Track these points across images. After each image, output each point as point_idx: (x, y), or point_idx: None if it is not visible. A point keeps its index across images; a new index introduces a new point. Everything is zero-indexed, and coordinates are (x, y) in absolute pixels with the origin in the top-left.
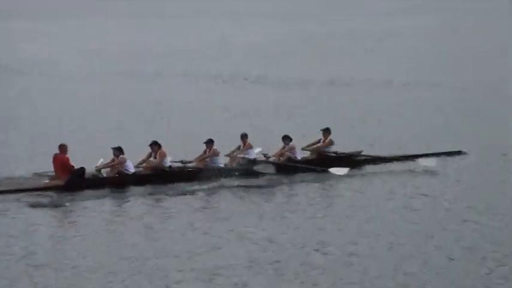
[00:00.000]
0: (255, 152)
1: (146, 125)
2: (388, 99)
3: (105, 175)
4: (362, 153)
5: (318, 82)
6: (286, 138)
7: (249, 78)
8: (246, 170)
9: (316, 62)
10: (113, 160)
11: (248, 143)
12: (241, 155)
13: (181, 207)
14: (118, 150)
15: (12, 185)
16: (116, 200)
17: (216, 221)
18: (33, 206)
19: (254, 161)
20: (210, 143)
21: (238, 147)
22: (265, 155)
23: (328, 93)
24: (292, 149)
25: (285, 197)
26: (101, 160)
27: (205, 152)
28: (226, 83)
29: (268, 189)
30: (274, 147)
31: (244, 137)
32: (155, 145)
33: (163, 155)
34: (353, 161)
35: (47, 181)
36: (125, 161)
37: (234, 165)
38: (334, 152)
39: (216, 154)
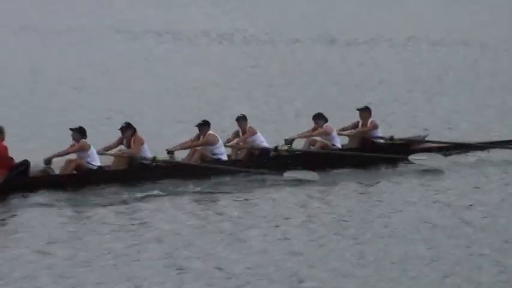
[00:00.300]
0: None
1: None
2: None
3: (57, 171)
4: (427, 139)
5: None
6: (320, 118)
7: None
8: (258, 163)
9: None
10: (72, 146)
11: (250, 127)
12: (247, 144)
13: (166, 216)
14: (79, 133)
15: None
16: (73, 207)
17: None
18: None
19: (267, 151)
20: (204, 126)
21: (237, 133)
22: (286, 141)
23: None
24: (328, 133)
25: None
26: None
27: (197, 138)
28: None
29: (296, 189)
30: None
31: (241, 119)
32: (128, 129)
33: (140, 142)
34: (416, 149)
35: None
36: (87, 148)
37: (238, 157)
38: (383, 138)
39: (212, 142)
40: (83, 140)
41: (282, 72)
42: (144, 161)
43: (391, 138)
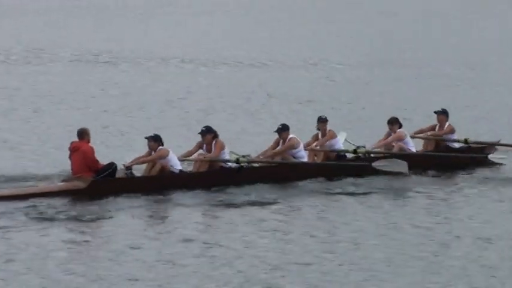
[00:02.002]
0: (342, 142)
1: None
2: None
3: (137, 174)
4: (501, 143)
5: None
6: (394, 122)
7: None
8: (338, 167)
9: None
10: (149, 154)
11: (331, 131)
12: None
13: (253, 219)
14: (155, 141)
15: (14, 189)
16: (159, 209)
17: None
18: (43, 218)
19: (344, 156)
20: (284, 130)
21: (316, 136)
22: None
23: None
24: (402, 137)
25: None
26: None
27: (277, 142)
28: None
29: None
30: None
31: (321, 120)
32: (209, 133)
33: (221, 146)
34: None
35: (60, 183)
36: (166, 154)
37: (316, 160)
38: (458, 141)
39: (296, 145)
40: (160, 147)
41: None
42: (227, 165)
43: (466, 141)
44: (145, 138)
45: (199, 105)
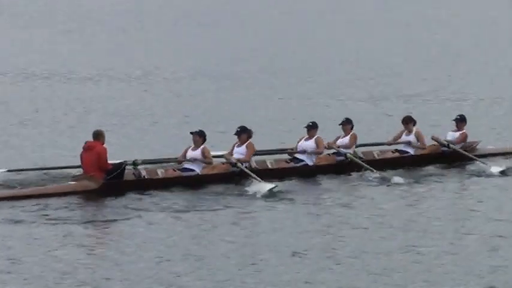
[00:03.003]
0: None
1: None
2: None
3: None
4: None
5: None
6: (409, 121)
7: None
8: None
9: None
10: (194, 149)
11: (353, 133)
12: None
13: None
14: (200, 136)
15: (26, 189)
16: (170, 209)
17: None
18: (56, 218)
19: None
20: (313, 128)
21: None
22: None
23: None
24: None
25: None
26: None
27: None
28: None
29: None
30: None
31: (346, 123)
32: (243, 133)
33: (252, 149)
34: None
35: (72, 182)
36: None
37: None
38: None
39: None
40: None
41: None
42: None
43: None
44: (191, 133)
45: (15, 119)
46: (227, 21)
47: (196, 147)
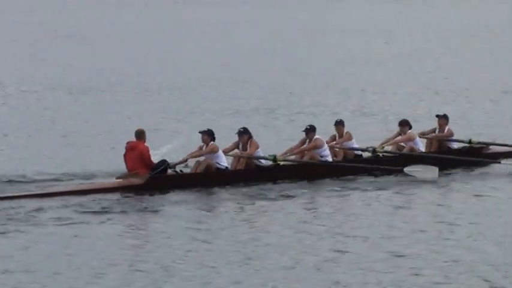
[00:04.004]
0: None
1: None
2: None
3: (180, 170)
4: (497, 143)
5: None
6: (404, 124)
7: None
8: (355, 168)
9: None
10: (201, 148)
11: (348, 133)
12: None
13: (293, 214)
14: (209, 135)
15: (72, 185)
16: (211, 204)
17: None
18: (102, 212)
19: (360, 155)
20: (311, 131)
21: (333, 138)
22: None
23: None
24: (412, 139)
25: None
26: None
27: (303, 142)
28: None
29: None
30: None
31: (339, 124)
32: (245, 133)
33: (256, 146)
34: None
35: (117, 179)
36: (217, 150)
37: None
38: (462, 141)
39: (321, 145)
40: (213, 142)
41: None
42: (263, 163)
43: (470, 141)
44: (200, 132)
45: None
46: (94, 35)
47: (206, 146)
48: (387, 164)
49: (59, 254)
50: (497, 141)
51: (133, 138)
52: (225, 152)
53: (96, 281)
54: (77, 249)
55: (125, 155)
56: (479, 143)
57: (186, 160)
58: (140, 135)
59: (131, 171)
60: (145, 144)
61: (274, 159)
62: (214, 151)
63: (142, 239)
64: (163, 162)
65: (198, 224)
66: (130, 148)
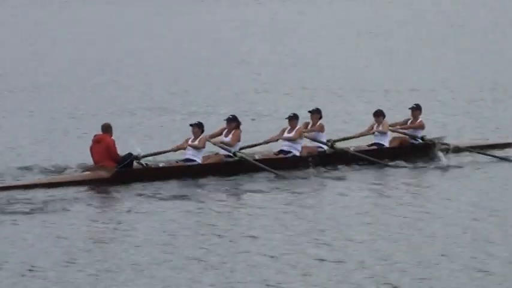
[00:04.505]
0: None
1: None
2: None
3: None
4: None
5: None
6: (379, 114)
7: None
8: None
9: None
10: (187, 141)
11: (320, 123)
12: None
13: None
14: (199, 127)
15: (40, 178)
16: (179, 198)
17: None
18: (67, 204)
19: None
20: (294, 119)
21: (306, 125)
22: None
23: None
24: (386, 131)
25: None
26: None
27: (283, 131)
28: None
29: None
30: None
31: (315, 112)
32: (233, 121)
33: (238, 138)
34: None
35: (85, 172)
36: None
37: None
38: (421, 138)
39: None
40: (202, 137)
41: None
42: (231, 158)
43: (422, 138)
44: (190, 125)
45: None
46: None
47: (195, 138)
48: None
49: (25, 245)
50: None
51: (99, 132)
52: (212, 137)
53: (56, 271)
54: (42, 240)
55: (91, 148)
56: (430, 140)
57: (159, 153)
58: (107, 128)
59: (97, 164)
60: (112, 137)
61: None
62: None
63: (108, 233)
64: (129, 155)
65: (162, 215)
66: (96, 141)
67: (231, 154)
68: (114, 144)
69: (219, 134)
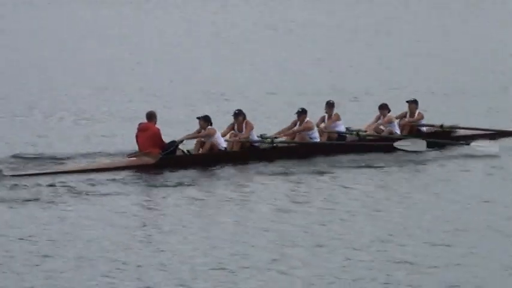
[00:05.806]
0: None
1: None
2: None
3: (187, 151)
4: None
5: None
6: (384, 108)
7: None
8: (361, 146)
9: None
10: (199, 132)
11: (336, 114)
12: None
13: (293, 191)
14: (205, 121)
15: (86, 163)
16: (215, 182)
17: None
18: (118, 188)
19: (344, 137)
20: (302, 113)
21: (323, 119)
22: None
23: None
24: (391, 121)
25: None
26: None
27: (294, 124)
28: None
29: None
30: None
31: (330, 105)
32: (239, 115)
33: (251, 127)
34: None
35: (130, 158)
36: (214, 133)
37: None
38: (433, 126)
39: (311, 127)
40: (210, 127)
41: None
42: (257, 144)
43: (441, 126)
44: (197, 118)
45: None
46: None
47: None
48: (372, 145)
49: (75, 227)
50: (467, 126)
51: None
52: (222, 136)
53: (107, 250)
54: (90, 224)
55: (136, 136)
56: (450, 127)
57: (182, 141)
58: (151, 116)
59: (142, 151)
60: (157, 126)
61: (272, 141)
62: (211, 135)
63: (152, 215)
64: (173, 142)
65: (202, 199)
66: (142, 129)
67: (264, 141)
68: (159, 133)
69: (228, 132)
